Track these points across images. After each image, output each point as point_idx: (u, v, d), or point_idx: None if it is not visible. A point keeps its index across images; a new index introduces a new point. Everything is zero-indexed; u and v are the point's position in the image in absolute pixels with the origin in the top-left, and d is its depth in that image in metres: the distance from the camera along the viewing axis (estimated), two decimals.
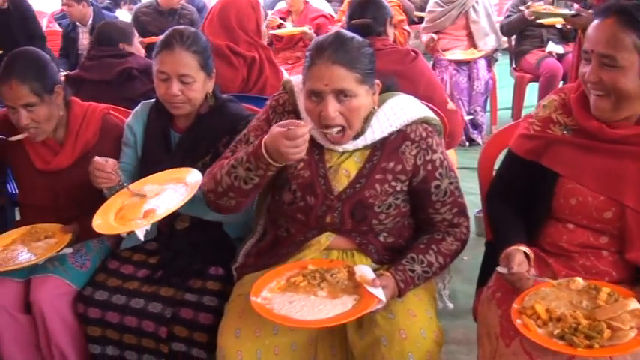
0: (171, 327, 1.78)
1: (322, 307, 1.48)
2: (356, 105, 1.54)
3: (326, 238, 1.68)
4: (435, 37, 4.64)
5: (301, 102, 1.65)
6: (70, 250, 1.97)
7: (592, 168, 1.56)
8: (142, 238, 1.72)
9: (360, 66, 1.53)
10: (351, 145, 1.63)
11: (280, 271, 1.62)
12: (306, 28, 4.41)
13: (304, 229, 1.70)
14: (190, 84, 1.89)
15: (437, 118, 1.72)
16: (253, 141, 1.67)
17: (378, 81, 1.60)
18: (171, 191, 1.77)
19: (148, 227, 1.73)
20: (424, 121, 1.67)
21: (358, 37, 1.58)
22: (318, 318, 1.45)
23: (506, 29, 4.79)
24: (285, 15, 4.73)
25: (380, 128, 1.62)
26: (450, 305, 1.88)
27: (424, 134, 1.65)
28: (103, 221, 1.74)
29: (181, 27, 1.99)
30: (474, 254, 2.27)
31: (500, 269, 1.52)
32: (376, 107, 1.63)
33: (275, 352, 1.58)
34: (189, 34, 1.92)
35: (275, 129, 1.50)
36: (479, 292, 1.78)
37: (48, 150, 2.09)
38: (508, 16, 4.77)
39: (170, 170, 1.85)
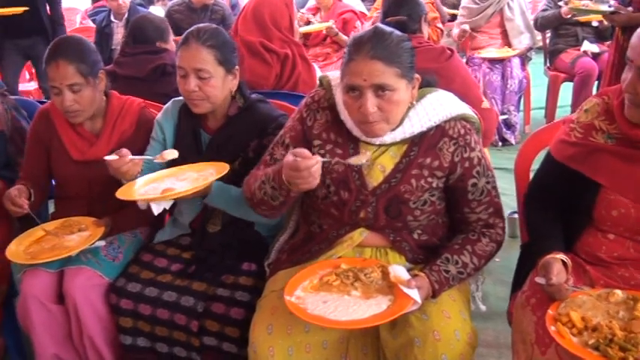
0: (203, 321, 1.78)
1: (356, 308, 1.47)
2: (395, 99, 1.53)
3: (359, 235, 1.67)
4: (468, 28, 4.56)
5: (338, 97, 1.64)
6: (102, 242, 1.98)
7: (636, 179, 1.51)
8: (155, 213, 1.74)
9: (399, 60, 1.51)
10: (388, 138, 1.61)
11: (313, 269, 1.61)
12: (330, 24, 4.39)
13: (337, 225, 1.69)
14: (207, 79, 1.85)
15: (475, 116, 1.70)
16: (288, 143, 1.70)
17: (417, 75, 1.59)
18: (198, 179, 1.78)
19: (167, 206, 1.75)
20: (463, 118, 1.65)
21: (397, 32, 1.56)
22: (353, 319, 1.43)
23: (541, 23, 4.68)
24: (314, 12, 4.72)
25: (419, 122, 1.61)
26: (483, 308, 1.84)
27: (462, 131, 1.63)
28: (127, 189, 1.77)
29: (202, 24, 1.97)
30: (506, 256, 2.24)
31: (539, 280, 1.49)
32: (415, 102, 1.61)
33: (307, 349, 1.58)
34: (206, 29, 1.89)
35: (287, 157, 1.50)
36: (513, 297, 1.75)
37: (84, 141, 2.11)
38: (544, 10, 4.67)
39: (204, 163, 1.87)
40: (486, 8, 4.59)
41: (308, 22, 4.59)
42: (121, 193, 1.73)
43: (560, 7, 4.43)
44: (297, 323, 1.56)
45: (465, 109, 1.67)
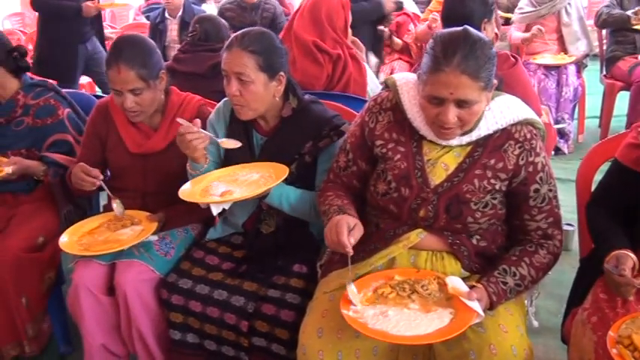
0: (253, 321, 1.78)
1: (419, 322, 1.43)
2: (475, 110, 1.53)
3: (416, 235, 1.64)
4: (543, 28, 4.40)
5: (404, 96, 1.65)
6: (155, 237, 2.00)
7: None
8: (214, 213, 1.75)
9: (485, 74, 1.49)
10: (455, 141, 1.61)
11: (366, 281, 1.58)
12: (381, 27, 4.34)
13: (395, 224, 1.67)
14: (247, 84, 1.83)
15: (541, 122, 1.67)
16: (349, 149, 1.74)
17: (495, 81, 1.57)
18: (259, 180, 1.78)
19: (226, 207, 1.76)
20: (529, 123, 1.64)
21: (484, 38, 1.53)
22: (419, 334, 1.40)
23: (604, 20, 4.50)
24: None
25: (486, 125, 1.60)
26: (535, 323, 1.79)
27: (528, 135, 1.62)
28: (189, 189, 1.78)
29: (250, 29, 1.94)
30: (558, 269, 2.15)
31: (609, 266, 1.46)
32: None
33: (356, 355, 1.56)
34: (252, 34, 1.87)
35: (331, 223, 1.56)
36: (572, 313, 1.69)
37: (141, 134, 2.14)
38: (608, 6, 4.50)
39: (265, 163, 1.86)
40: (540, 9, 4.47)
41: None
42: (183, 194, 1.74)
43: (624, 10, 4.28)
44: (347, 328, 1.52)
45: (531, 114, 1.65)
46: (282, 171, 1.76)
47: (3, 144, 2.38)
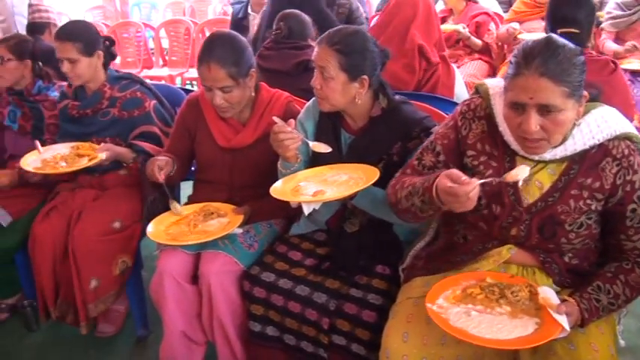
0: (334, 319, 1.79)
1: (501, 327, 1.41)
2: (560, 120, 1.43)
3: (507, 251, 1.60)
4: (638, 45, 4.20)
5: (497, 107, 1.58)
6: (240, 230, 2.04)
7: None
8: (306, 213, 1.76)
9: (569, 79, 1.41)
10: (548, 155, 1.53)
11: (456, 279, 1.56)
12: (459, 27, 4.25)
13: (484, 239, 1.63)
14: (328, 80, 1.86)
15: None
16: (439, 150, 1.66)
17: (586, 93, 1.48)
18: (349, 181, 1.78)
19: (316, 206, 1.77)
20: (627, 137, 1.54)
21: (570, 45, 1.46)
22: (497, 338, 1.37)
23: None
24: (447, 14, 4.60)
25: (582, 139, 1.51)
26: (622, 343, 1.72)
27: (626, 151, 1.52)
28: (281, 188, 1.81)
29: (345, 26, 1.97)
30: None
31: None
32: (579, 120, 1.51)
33: None
34: (342, 33, 1.88)
35: (442, 179, 1.43)
36: None
37: (231, 129, 2.19)
38: None
39: (354, 164, 1.86)
40: (631, 15, 4.26)
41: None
42: (275, 192, 1.77)
43: None
44: (433, 334, 1.52)
45: (629, 127, 1.55)
46: (373, 173, 1.76)
47: (89, 132, 2.51)
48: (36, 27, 4.00)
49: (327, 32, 1.91)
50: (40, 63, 2.78)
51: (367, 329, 1.74)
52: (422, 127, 1.88)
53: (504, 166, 1.58)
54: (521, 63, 1.43)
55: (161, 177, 2.06)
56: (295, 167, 1.91)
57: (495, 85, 1.62)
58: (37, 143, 2.37)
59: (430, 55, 2.62)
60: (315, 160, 1.97)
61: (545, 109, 1.42)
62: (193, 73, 5.95)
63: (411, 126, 1.90)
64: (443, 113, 2.15)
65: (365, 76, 1.87)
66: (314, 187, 1.78)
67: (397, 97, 2.00)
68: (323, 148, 1.84)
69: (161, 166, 2.08)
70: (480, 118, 1.63)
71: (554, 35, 1.48)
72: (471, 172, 1.62)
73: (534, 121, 1.43)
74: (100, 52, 2.47)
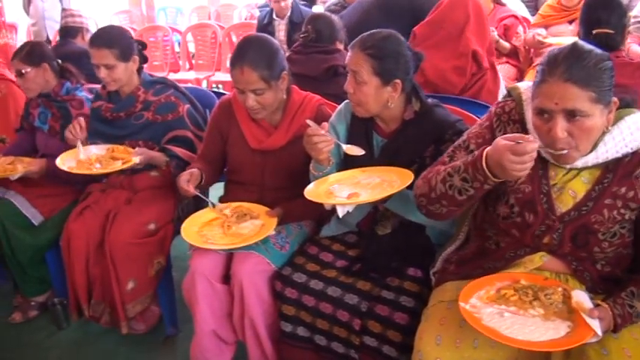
0: (366, 321, 1.80)
1: (533, 329, 1.41)
2: (588, 126, 1.42)
3: (539, 258, 1.60)
4: None
5: (529, 113, 1.57)
6: (272, 231, 2.05)
7: None
8: (340, 215, 1.76)
9: (596, 83, 1.40)
10: (579, 162, 1.51)
11: (490, 280, 1.57)
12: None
13: (516, 245, 1.62)
14: (361, 84, 1.87)
15: None
16: (474, 149, 1.63)
17: (615, 99, 1.47)
18: (382, 184, 1.79)
19: (350, 209, 1.77)
20: None
21: (597, 50, 1.44)
22: (529, 339, 1.38)
23: None
24: None
25: (614, 147, 1.49)
26: None
27: None
28: (314, 190, 1.82)
29: (377, 30, 1.94)
30: None
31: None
32: (610, 127, 1.50)
33: None
34: (374, 37, 1.88)
35: (501, 141, 1.42)
36: None
37: (263, 131, 2.21)
38: None
39: (386, 167, 1.87)
40: None
41: None
42: (309, 194, 1.79)
43: None
44: (466, 337, 1.52)
45: None
46: (406, 175, 1.76)
47: (122, 135, 2.55)
48: (69, 31, 4.11)
49: (359, 36, 1.92)
50: (59, 61, 2.83)
51: (399, 331, 1.75)
52: (455, 130, 1.88)
53: (537, 174, 1.57)
54: (546, 70, 1.43)
55: (191, 188, 2.10)
56: (328, 170, 1.93)
57: (528, 89, 1.61)
58: (79, 144, 2.43)
59: (483, 60, 2.60)
60: (347, 162, 1.99)
61: (571, 115, 1.41)
62: (219, 76, 6.02)
63: (444, 129, 1.90)
64: (475, 117, 2.15)
65: (398, 80, 1.88)
66: (347, 190, 1.80)
67: (430, 100, 2.00)
68: (356, 150, 1.86)
69: (187, 180, 2.11)
70: (514, 122, 1.63)
71: (580, 41, 1.48)
72: None
73: (561, 127, 1.42)
74: (136, 57, 2.52)
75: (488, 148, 1.46)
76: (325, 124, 1.86)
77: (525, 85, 1.64)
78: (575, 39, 1.55)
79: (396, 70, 1.88)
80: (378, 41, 1.88)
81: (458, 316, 1.49)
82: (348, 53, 1.92)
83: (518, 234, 1.60)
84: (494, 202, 1.63)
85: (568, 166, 1.54)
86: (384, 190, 1.75)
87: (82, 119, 2.44)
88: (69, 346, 2.66)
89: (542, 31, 4.20)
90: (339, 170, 2.00)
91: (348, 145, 1.89)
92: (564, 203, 1.55)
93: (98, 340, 2.66)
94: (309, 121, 1.86)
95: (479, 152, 1.48)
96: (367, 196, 1.73)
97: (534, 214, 1.56)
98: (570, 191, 1.54)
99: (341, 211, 1.74)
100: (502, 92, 2.72)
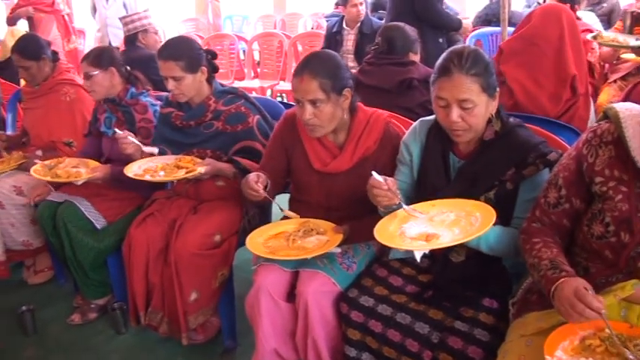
0: (437, 353, 1.70)
1: None
2: None
3: (631, 286, 1.46)
4: None
5: (629, 132, 1.46)
6: (339, 250, 2.00)
7: None
8: (418, 259, 1.65)
9: None
10: None
11: (573, 328, 1.44)
12: None
13: (608, 271, 1.51)
14: (471, 109, 1.74)
15: None
16: (561, 185, 1.60)
17: None
18: (459, 221, 1.69)
19: (427, 251, 1.66)
20: None
21: None
22: None
23: None
24: None
25: None
26: None
27: None
28: (385, 231, 1.73)
29: (459, 47, 1.82)
30: None
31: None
32: None
33: None
34: (468, 54, 1.74)
35: (567, 293, 1.36)
36: None
37: (327, 152, 2.14)
38: None
39: (461, 200, 1.76)
40: None
41: None
42: (382, 238, 1.70)
43: None
44: None
45: None
46: (486, 211, 1.65)
47: (190, 143, 2.54)
48: (131, 38, 4.22)
49: (449, 61, 1.75)
50: (128, 67, 2.87)
51: None
52: (538, 153, 1.75)
53: (635, 192, 1.47)
54: None
55: (260, 188, 2.04)
56: (394, 208, 1.83)
57: (625, 108, 1.52)
58: (155, 150, 2.44)
59: (579, 86, 2.46)
60: (421, 183, 1.90)
61: None
62: (284, 85, 6.03)
63: (526, 151, 1.77)
64: (560, 139, 2.02)
65: (498, 89, 1.79)
66: (417, 228, 1.70)
67: (512, 119, 1.88)
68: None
69: (256, 181, 2.05)
70: (607, 144, 1.53)
71: None
72: (600, 198, 1.53)
73: None
74: (204, 68, 2.50)
75: (560, 288, 1.41)
76: (390, 180, 1.78)
77: (622, 106, 1.54)
78: None
79: (495, 81, 1.78)
80: (474, 58, 1.74)
81: (539, 355, 1.38)
82: (441, 84, 1.75)
83: (612, 256, 1.50)
84: (589, 222, 1.55)
85: None
86: (463, 229, 1.64)
87: (121, 134, 2.49)
88: (127, 351, 2.67)
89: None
90: (410, 195, 1.91)
91: (410, 208, 1.78)
92: None
93: (156, 348, 2.66)
94: (373, 173, 1.78)
95: (551, 282, 1.44)
96: (448, 239, 1.62)
97: (630, 233, 1.46)
98: None
99: (419, 256, 1.63)
100: (592, 118, 2.56)
